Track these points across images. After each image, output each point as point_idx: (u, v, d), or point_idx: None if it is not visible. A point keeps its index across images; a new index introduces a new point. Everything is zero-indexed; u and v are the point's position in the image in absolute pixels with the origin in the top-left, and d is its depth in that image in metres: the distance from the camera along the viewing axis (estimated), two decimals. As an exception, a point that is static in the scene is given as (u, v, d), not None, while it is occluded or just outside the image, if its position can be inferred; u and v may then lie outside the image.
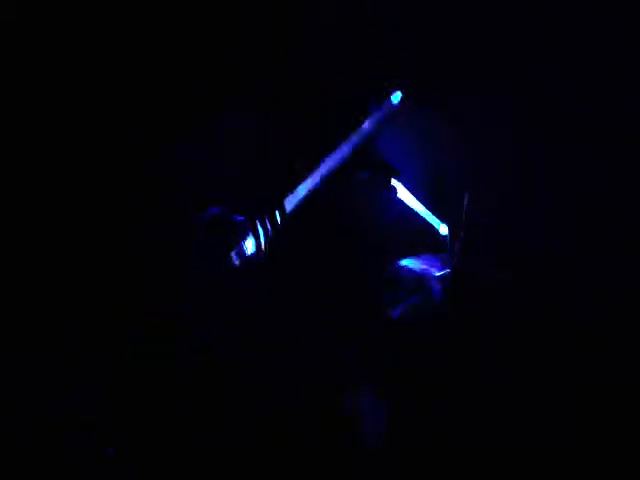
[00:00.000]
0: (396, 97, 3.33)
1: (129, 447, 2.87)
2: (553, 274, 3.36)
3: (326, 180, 3.30)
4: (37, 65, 3.19)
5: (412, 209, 3.56)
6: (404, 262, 3.37)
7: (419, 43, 3.53)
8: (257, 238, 3.22)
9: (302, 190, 3.28)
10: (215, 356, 3.17)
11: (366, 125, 3.29)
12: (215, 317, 3.27)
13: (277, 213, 3.27)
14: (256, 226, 3.21)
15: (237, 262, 3.21)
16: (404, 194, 3.57)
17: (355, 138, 3.27)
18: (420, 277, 3.26)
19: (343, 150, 3.26)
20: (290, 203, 3.28)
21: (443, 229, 3.53)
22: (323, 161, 3.26)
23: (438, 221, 3.56)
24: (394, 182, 3.54)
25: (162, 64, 3.38)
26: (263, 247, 3.24)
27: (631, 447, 2.83)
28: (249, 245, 3.23)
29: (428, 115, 3.64)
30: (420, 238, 3.54)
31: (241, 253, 3.22)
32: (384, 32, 3.54)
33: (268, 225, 3.24)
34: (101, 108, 3.30)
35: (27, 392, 2.89)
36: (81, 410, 2.88)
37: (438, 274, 3.20)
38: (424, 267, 3.32)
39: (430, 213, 3.57)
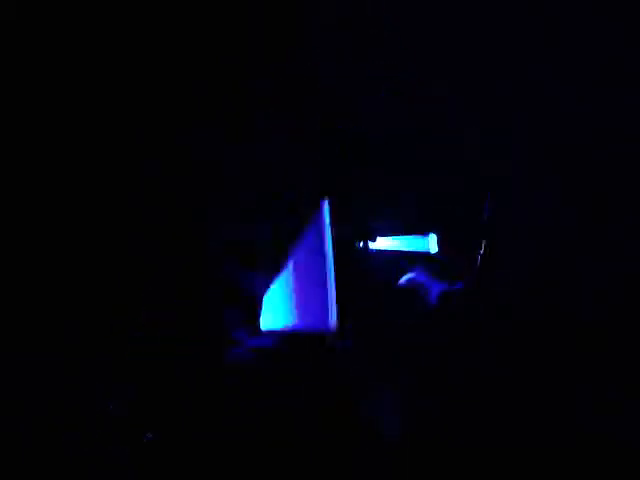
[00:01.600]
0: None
1: (129, 447, 2.87)
2: (553, 274, 3.37)
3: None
4: (37, 65, 3.19)
5: (394, 250, 3.57)
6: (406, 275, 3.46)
7: (419, 43, 3.54)
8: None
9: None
10: (215, 356, 3.18)
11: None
12: (216, 317, 3.28)
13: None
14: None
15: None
16: (381, 243, 3.58)
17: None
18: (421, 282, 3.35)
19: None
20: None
21: (433, 246, 3.55)
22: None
23: (425, 242, 3.58)
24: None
25: (162, 64, 3.38)
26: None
27: (630, 447, 2.83)
28: None
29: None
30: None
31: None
32: (384, 32, 3.55)
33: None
34: (101, 108, 3.30)
35: (27, 392, 2.89)
36: (81, 410, 2.89)
37: (437, 282, 3.31)
38: (425, 276, 3.40)
39: (414, 241, 3.58)
